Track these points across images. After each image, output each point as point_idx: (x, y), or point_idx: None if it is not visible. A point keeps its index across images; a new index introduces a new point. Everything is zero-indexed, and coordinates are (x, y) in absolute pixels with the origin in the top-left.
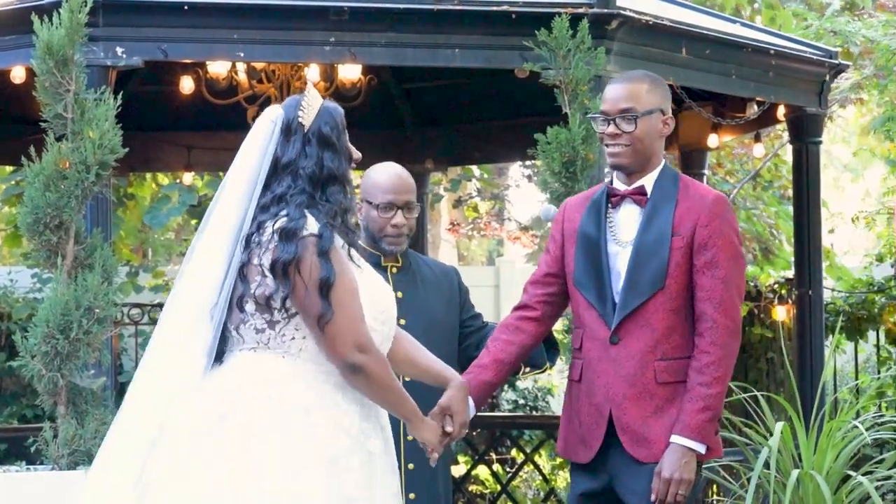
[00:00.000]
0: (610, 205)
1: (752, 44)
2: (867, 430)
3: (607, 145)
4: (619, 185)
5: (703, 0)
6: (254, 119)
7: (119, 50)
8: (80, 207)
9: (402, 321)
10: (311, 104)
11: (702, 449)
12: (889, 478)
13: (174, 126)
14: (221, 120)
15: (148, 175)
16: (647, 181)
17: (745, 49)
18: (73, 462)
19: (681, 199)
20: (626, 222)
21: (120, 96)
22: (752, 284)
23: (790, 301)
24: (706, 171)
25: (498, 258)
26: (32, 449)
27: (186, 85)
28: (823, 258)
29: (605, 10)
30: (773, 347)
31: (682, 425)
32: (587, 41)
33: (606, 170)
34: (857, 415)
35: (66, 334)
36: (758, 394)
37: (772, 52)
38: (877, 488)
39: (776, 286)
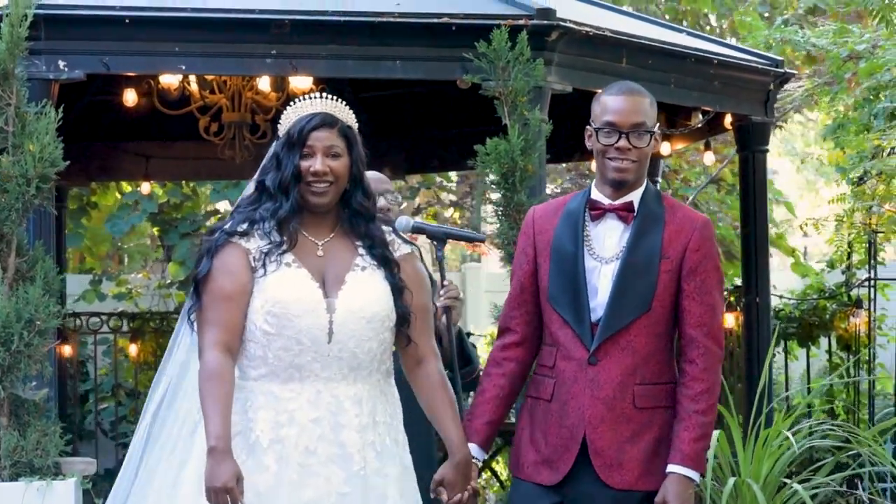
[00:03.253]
0: (589, 217)
1: (695, 53)
2: (807, 436)
3: (612, 158)
4: (602, 199)
5: (674, 9)
6: (205, 129)
7: (61, 63)
8: (21, 220)
9: None
10: (287, 117)
11: (697, 478)
12: (827, 484)
13: (133, 136)
14: (179, 130)
15: (112, 183)
16: (634, 197)
17: (689, 59)
18: (15, 473)
19: (668, 221)
20: (606, 238)
21: (74, 107)
22: None
23: (739, 308)
24: (659, 179)
25: (463, 265)
26: None
27: (130, 97)
28: (790, 257)
29: (545, 22)
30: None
31: (681, 455)
32: (526, 53)
33: (592, 182)
34: (797, 422)
35: (7, 347)
36: None
37: (715, 61)
38: (814, 496)
39: (726, 293)
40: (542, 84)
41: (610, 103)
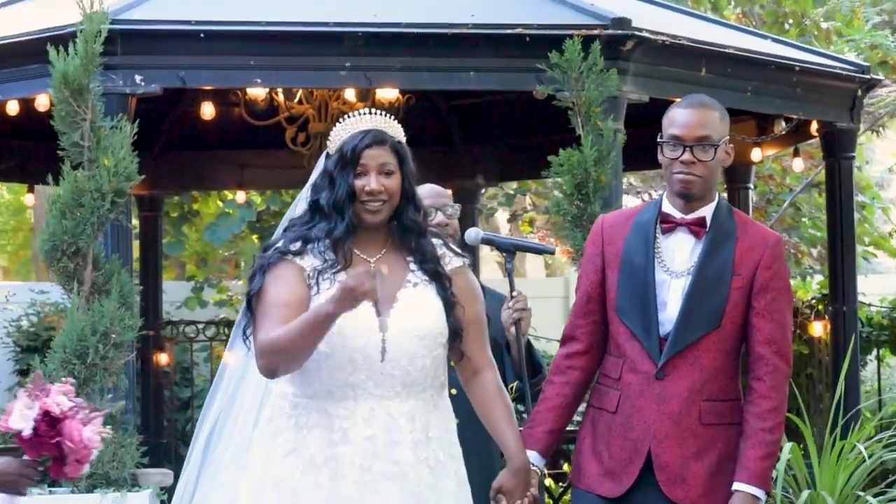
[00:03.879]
0: (661, 230)
1: (775, 61)
2: (886, 447)
3: (677, 172)
4: (674, 212)
5: (773, 12)
6: (293, 140)
7: (138, 78)
8: (97, 234)
9: None
10: (337, 135)
11: (763, 496)
12: None
13: (228, 145)
14: (271, 139)
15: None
16: (707, 212)
17: (769, 66)
18: (91, 485)
19: (740, 237)
20: (677, 251)
21: (168, 117)
22: None
23: (826, 317)
24: (751, 185)
25: (569, 270)
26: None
27: (207, 111)
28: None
29: (620, 32)
30: (812, 363)
31: (748, 473)
32: (599, 63)
33: (643, 194)
34: (876, 432)
35: (83, 360)
36: None
37: (797, 68)
38: None
39: (813, 301)
40: (617, 94)
41: (676, 117)
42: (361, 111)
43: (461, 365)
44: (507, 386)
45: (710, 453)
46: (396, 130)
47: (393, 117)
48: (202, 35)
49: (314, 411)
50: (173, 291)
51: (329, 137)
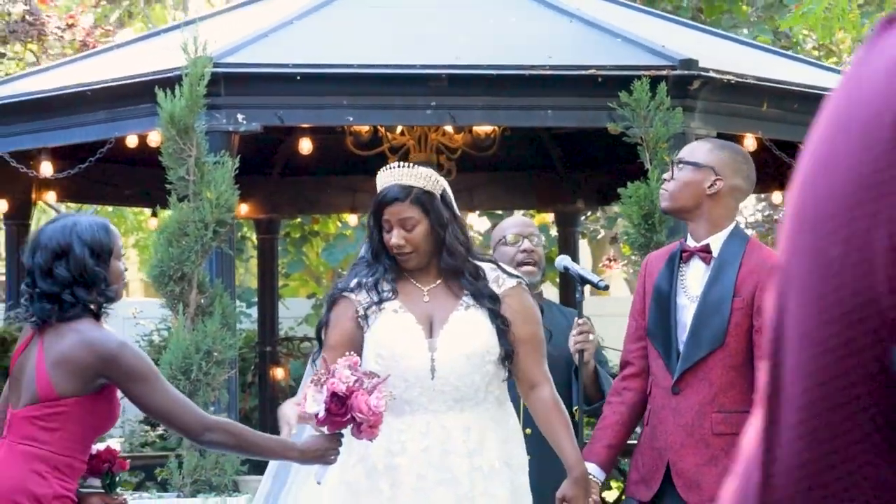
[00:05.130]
0: (682, 260)
1: None
2: None
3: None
4: (690, 242)
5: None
6: None
7: (240, 116)
8: (200, 261)
9: None
10: (376, 185)
11: None
12: None
13: (340, 171)
14: (382, 164)
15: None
16: (714, 241)
17: None
18: (195, 490)
19: (744, 262)
20: (693, 278)
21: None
22: None
23: None
24: None
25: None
26: (159, 478)
27: (305, 146)
28: None
29: (687, 72)
30: None
31: None
32: (666, 102)
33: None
34: None
35: (188, 375)
36: None
37: None
38: None
39: None
40: (684, 130)
41: None
42: (390, 165)
43: (518, 380)
44: (570, 408)
45: (724, 461)
46: (420, 180)
47: (413, 165)
48: (298, 77)
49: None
50: (298, 308)
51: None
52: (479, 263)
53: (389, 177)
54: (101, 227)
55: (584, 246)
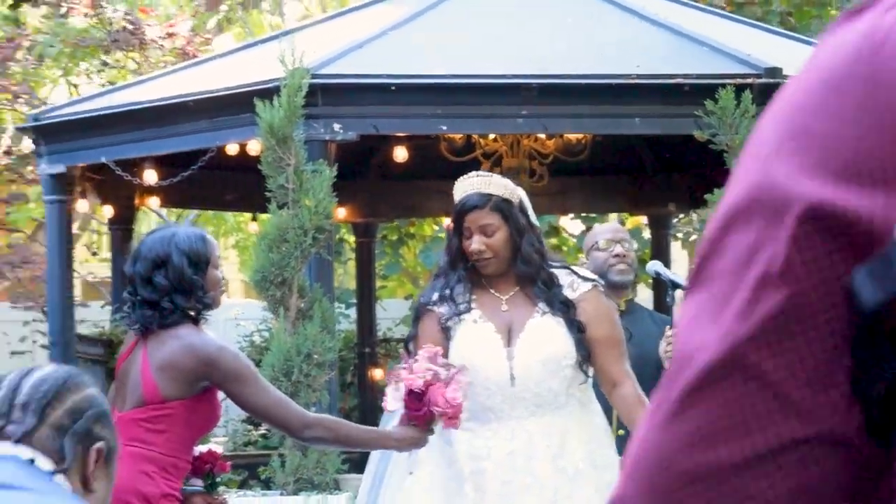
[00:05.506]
0: None
1: None
2: None
3: None
4: None
5: None
6: None
7: (336, 126)
8: (300, 266)
9: None
10: (454, 194)
11: None
12: None
13: (435, 175)
14: (476, 169)
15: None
16: None
17: None
18: (297, 489)
19: None
20: None
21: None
22: None
23: None
24: None
25: None
26: (262, 476)
27: (400, 154)
28: None
29: (772, 80)
30: None
31: None
32: (751, 110)
33: None
34: None
35: (289, 377)
36: None
37: None
38: None
39: None
40: None
41: None
42: (468, 175)
43: (600, 380)
44: None
45: None
46: (499, 188)
47: (493, 175)
48: (393, 87)
49: (461, 431)
50: (395, 308)
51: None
52: (554, 270)
53: (469, 185)
54: (198, 237)
55: (677, 248)
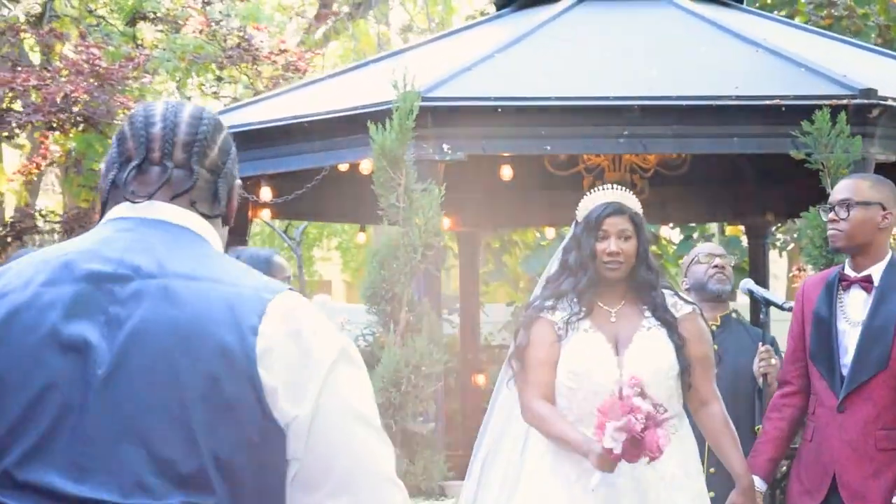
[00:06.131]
0: (841, 288)
1: None
2: None
3: (828, 230)
4: (850, 272)
5: None
6: (589, 188)
7: (445, 147)
8: (409, 282)
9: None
10: (584, 205)
11: None
12: None
13: (539, 185)
14: (578, 180)
15: None
16: (875, 271)
17: None
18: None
19: None
20: (854, 305)
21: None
22: None
23: None
24: None
25: None
26: None
27: (506, 173)
28: None
29: (867, 101)
30: None
31: None
32: (846, 130)
33: None
34: None
35: (398, 388)
36: None
37: None
38: None
39: None
40: (865, 155)
41: (834, 187)
42: (605, 186)
43: (690, 396)
44: (754, 427)
45: (887, 473)
46: (634, 203)
47: (631, 192)
48: (499, 109)
49: None
50: (497, 313)
51: (578, 207)
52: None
53: (610, 196)
54: (262, 259)
55: (774, 256)
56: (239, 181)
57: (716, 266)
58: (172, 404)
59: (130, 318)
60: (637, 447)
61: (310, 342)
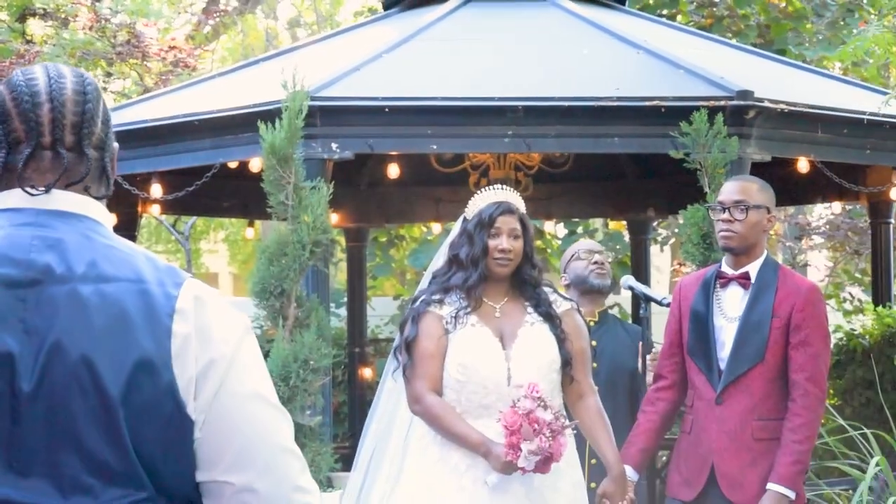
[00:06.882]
0: (718, 285)
1: (888, 120)
2: None
3: (720, 230)
4: (727, 270)
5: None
6: (475, 184)
7: (334, 145)
8: (298, 278)
9: (595, 364)
10: (475, 203)
11: (792, 495)
12: None
13: (424, 182)
14: (464, 177)
15: None
16: (752, 268)
17: (884, 126)
18: None
19: (780, 287)
20: (731, 301)
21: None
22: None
23: None
24: (891, 220)
25: None
26: None
27: (393, 171)
28: None
29: (743, 103)
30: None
31: (777, 475)
32: (723, 131)
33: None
34: None
35: (287, 382)
36: (867, 431)
37: None
38: None
39: None
40: (743, 155)
41: (722, 188)
42: (494, 186)
43: (569, 389)
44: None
45: (763, 462)
46: (521, 204)
47: (518, 192)
48: (387, 109)
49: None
50: (384, 307)
51: (468, 205)
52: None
53: (500, 195)
54: None
55: (655, 251)
56: (116, 145)
57: (595, 262)
58: (98, 410)
59: (50, 330)
60: (548, 462)
61: (215, 332)
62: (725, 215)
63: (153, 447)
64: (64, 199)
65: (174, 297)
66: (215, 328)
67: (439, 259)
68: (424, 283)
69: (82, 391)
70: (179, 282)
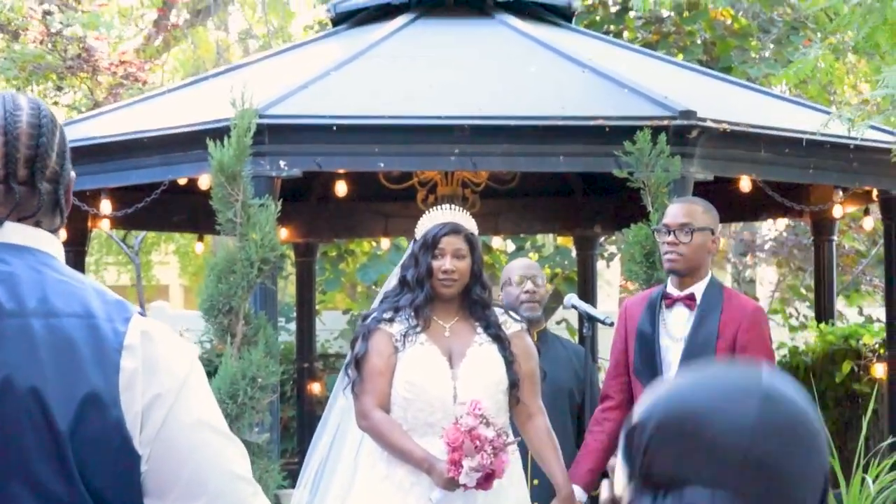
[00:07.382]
0: (664, 305)
1: (830, 140)
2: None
3: (665, 252)
4: (673, 291)
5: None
6: (423, 201)
7: (282, 163)
8: (246, 295)
9: None
10: (423, 224)
11: None
12: None
13: (373, 198)
14: (412, 193)
15: None
16: (697, 289)
17: (825, 146)
18: None
19: (725, 308)
20: (676, 322)
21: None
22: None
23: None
24: (834, 238)
25: None
26: None
27: (341, 189)
28: None
29: (686, 122)
30: (877, 400)
31: None
32: (666, 150)
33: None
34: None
35: (235, 399)
36: None
37: (851, 146)
38: None
39: (876, 346)
40: (686, 174)
41: (667, 211)
42: (443, 206)
43: (518, 409)
44: (580, 436)
45: None
46: (471, 224)
47: (467, 212)
48: (334, 127)
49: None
50: (333, 322)
51: (416, 226)
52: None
53: (448, 215)
54: None
55: (602, 266)
56: (73, 174)
57: (527, 292)
58: (48, 443)
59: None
60: (490, 479)
61: (162, 366)
62: (671, 238)
63: (102, 480)
64: (15, 233)
65: (122, 332)
66: (162, 363)
67: (392, 280)
68: (377, 303)
69: (33, 425)
70: (128, 317)
